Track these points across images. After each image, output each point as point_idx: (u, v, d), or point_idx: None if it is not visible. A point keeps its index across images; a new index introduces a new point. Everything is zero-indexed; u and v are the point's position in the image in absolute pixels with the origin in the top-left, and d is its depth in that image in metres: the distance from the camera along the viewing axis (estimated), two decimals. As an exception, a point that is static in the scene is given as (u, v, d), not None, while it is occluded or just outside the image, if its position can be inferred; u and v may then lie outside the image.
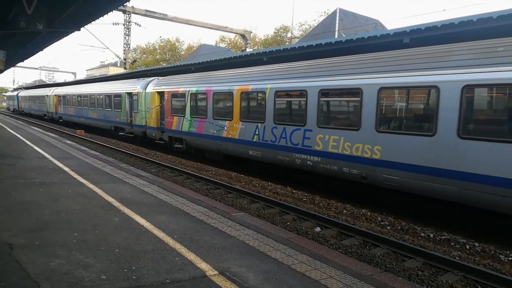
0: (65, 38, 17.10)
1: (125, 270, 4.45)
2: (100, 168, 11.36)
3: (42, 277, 4.20)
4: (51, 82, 69.92)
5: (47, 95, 40.55)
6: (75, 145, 17.52)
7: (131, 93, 21.82)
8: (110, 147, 20.59)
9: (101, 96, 26.08)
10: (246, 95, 13.45)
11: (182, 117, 16.88)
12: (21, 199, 7.41)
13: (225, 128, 14.19)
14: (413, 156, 8.44)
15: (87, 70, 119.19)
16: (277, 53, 14.32)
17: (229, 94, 13.97)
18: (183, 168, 14.97)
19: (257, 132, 12.73)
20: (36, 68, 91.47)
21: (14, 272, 4.29)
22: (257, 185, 12.58)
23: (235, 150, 13.96)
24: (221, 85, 14.56)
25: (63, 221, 6.15)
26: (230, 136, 13.97)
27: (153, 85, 19.67)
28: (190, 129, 16.33)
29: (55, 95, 37.67)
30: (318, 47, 12.87)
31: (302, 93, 11.16)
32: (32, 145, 16.08)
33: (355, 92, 9.71)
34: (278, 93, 12.01)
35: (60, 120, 36.38)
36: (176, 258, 4.87)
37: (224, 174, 14.12)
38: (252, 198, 10.66)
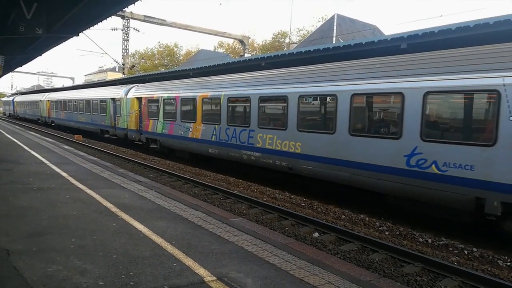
0: (63, 43, 17.16)
1: (123, 276, 4.43)
2: (98, 174, 11.34)
3: (40, 283, 4.18)
4: (44, 88, 70.71)
5: (40, 101, 42.29)
6: (72, 150, 17.48)
7: (114, 98, 23.77)
8: (108, 152, 20.56)
9: (89, 102, 28.01)
10: (206, 101, 15.51)
11: (157, 120, 18.89)
12: (19, 204, 7.39)
13: (190, 129, 16.31)
14: (322, 150, 10.67)
15: (85, 75, 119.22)
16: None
17: (193, 100, 16.08)
18: (181, 173, 14.96)
19: (214, 133, 14.81)
20: (35, 73, 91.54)
21: (12, 278, 4.27)
22: (255, 190, 12.57)
23: (198, 149, 15.97)
24: (187, 92, 16.72)
25: (60, 227, 6.13)
26: (194, 136, 16.07)
27: (133, 92, 21.68)
28: (163, 130, 18.38)
29: (48, 100, 39.40)
30: (316, 53, 13.08)
31: (247, 99, 13.25)
32: (29, 150, 16.04)
33: (283, 98, 11.87)
34: (230, 99, 14.14)
35: (53, 124, 38.00)
36: (174, 264, 4.85)
37: (223, 180, 14.11)
38: (251, 203, 10.65)
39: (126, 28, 40.26)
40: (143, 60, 66.56)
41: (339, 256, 7.10)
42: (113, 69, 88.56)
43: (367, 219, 9.49)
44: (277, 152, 12.04)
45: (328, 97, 10.82)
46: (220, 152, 14.55)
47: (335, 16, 38.73)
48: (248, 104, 13.11)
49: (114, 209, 7.36)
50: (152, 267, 4.73)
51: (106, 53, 66.48)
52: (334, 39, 34.41)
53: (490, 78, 7.40)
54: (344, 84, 10.03)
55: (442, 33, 9.70)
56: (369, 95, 9.78)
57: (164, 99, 18.27)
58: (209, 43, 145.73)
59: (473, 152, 7.61)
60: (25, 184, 9.25)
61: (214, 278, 4.51)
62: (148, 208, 7.65)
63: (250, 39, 51.36)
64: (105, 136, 25.20)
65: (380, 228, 8.95)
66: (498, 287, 5.94)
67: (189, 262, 4.94)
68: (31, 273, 4.39)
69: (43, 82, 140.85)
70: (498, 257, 7.29)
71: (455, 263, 6.96)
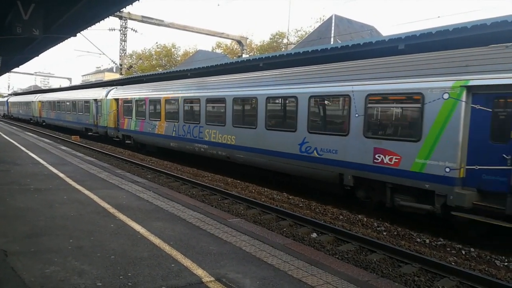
0: (61, 43, 17.12)
1: (121, 277, 4.42)
2: (95, 174, 11.32)
3: (37, 284, 4.17)
4: (36, 90, 72.39)
5: (32, 101, 44.61)
6: (70, 151, 17.44)
7: (96, 99, 26.20)
8: (105, 153, 20.53)
9: (75, 102, 30.48)
10: (168, 102, 18.00)
11: (130, 119, 21.45)
12: (16, 205, 7.37)
13: (156, 126, 18.84)
14: (249, 141, 13.22)
15: (82, 75, 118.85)
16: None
17: (158, 100, 18.66)
18: (179, 174, 14.95)
19: (174, 129, 17.40)
20: (32, 74, 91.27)
21: (9, 279, 4.25)
22: (253, 191, 12.58)
23: (163, 143, 18.59)
24: (154, 93, 19.33)
25: (58, 228, 6.11)
26: (159, 132, 18.63)
27: (112, 93, 24.18)
28: (135, 128, 20.95)
29: (39, 101, 41.63)
30: (308, 54, 13.33)
31: (197, 100, 15.90)
32: (27, 151, 16.00)
33: (223, 100, 14.40)
34: (186, 100, 16.74)
35: (44, 123, 40.07)
36: (172, 265, 4.85)
37: (220, 180, 14.11)
38: (249, 204, 10.65)
39: (123, 29, 40.12)
40: (141, 61, 66.43)
41: (337, 256, 7.11)
42: (110, 70, 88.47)
43: (365, 219, 9.50)
44: (219, 144, 14.70)
45: (251, 100, 13.46)
46: (179, 145, 17.23)
47: (333, 17, 38.81)
48: (198, 105, 15.84)
49: (111, 210, 7.35)
50: (150, 267, 4.73)
51: (104, 54, 66.56)
52: (332, 39, 34.46)
53: (345, 86, 10.16)
54: (262, 89, 12.89)
55: (440, 34, 9.74)
56: (274, 98, 12.69)
57: (136, 100, 20.94)
58: (207, 44, 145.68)
59: (336, 140, 10.37)
60: (22, 185, 9.22)
61: (212, 278, 4.51)
62: (146, 208, 7.64)
63: (248, 40, 51.38)
64: (89, 133, 27.55)
65: (378, 229, 8.96)
66: (495, 287, 5.96)
67: (187, 262, 4.93)
68: (28, 274, 4.38)
69: (40, 83, 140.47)
70: (496, 257, 7.32)
71: (453, 263, 6.98)
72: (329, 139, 10.57)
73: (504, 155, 7.40)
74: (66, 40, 15.94)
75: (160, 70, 54.56)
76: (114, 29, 39.69)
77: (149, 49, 69.95)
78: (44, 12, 10.70)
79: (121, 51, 41.31)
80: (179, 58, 69.10)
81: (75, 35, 14.50)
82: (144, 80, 24.43)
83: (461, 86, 7.88)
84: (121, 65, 41.49)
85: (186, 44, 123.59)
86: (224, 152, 14.44)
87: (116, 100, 23.25)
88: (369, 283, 4.98)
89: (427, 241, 8.18)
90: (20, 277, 4.30)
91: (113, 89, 24.82)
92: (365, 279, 5.10)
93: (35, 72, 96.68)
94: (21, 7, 10.19)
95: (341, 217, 9.83)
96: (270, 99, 12.60)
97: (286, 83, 12.04)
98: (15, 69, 37.38)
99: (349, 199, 10.89)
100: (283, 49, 50.94)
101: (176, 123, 17.19)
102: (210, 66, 18.39)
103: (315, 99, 11.14)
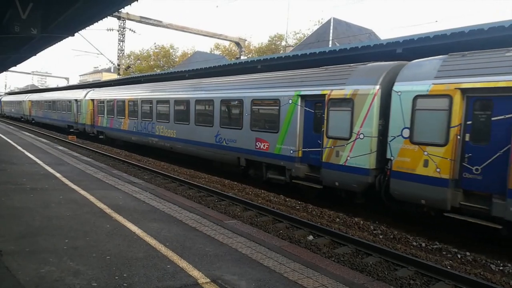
0: (59, 43, 17.09)
1: (116, 278, 4.41)
2: (92, 175, 11.29)
3: (32, 284, 4.16)
4: (26, 90, 75.83)
5: (23, 100, 48.44)
6: (67, 151, 17.39)
7: (77, 99, 29.58)
8: (102, 153, 20.48)
9: (59, 102, 34.00)
10: (130, 102, 21.72)
11: (103, 117, 25.12)
12: (12, 205, 7.33)
13: (122, 123, 22.54)
14: (185, 135, 16.87)
15: (80, 75, 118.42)
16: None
17: (124, 101, 22.42)
18: (175, 175, 14.93)
19: (134, 125, 21.10)
20: (29, 73, 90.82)
21: (4, 279, 4.23)
22: (250, 192, 12.57)
23: (126, 137, 22.39)
24: (120, 96, 23.24)
25: (54, 228, 6.09)
26: (124, 128, 22.38)
27: (89, 95, 27.86)
28: (107, 125, 24.69)
29: (29, 100, 45.31)
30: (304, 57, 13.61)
31: (152, 101, 19.62)
32: (23, 150, 15.94)
33: (167, 101, 18.20)
34: (143, 101, 20.45)
35: (33, 121, 43.53)
36: (168, 266, 4.84)
37: (217, 182, 14.10)
38: (245, 205, 10.64)
39: (122, 29, 40.05)
40: (139, 61, 66.34)
41: (333, 259, 7.11)
42: (108, 70, 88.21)
43: (362, 222, 9.51)
44: (165, 137, 18.37)
45: (186, 102, 16.95)
46: (138, 139, 20.91)
47: (332, 20, 38.91)
48: (151, 105, 19.59)
49: (108, 210, 7.33)
50: (146, 268, 4.71)
51: (102, 54, 66.02)
52: (330, 42, 34.55)
53: (240, 93, 13.90)
54: (193, 94, 16.61)
55: (437, 39, 9.79)
56: (200, 100, 16.20)
57: (107, 101, 24.70)
58: (205, 45, 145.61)
59: (235, 133, 13.99)
60: (18, 184, 9.18)
61: (208, 280, 4.50)
62: (142, 209, 7.63)
63: (246, 42, 51.42)
64: (70, 130, 30.75)
65: (374, 232, 8.97)
66: (491, 291, 5.98)
67: (183, 264, 4.92)
68: (23, 274, 4.36)
69: (37, 82, 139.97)
70: (491, 262, 7.34)
71: (448, 267, 7.00)
72: (231, 132, 14.23)
73: (319, 141, 10.95)
74: (64, 40, 15.90)
75: (158, 70, 54.52)
76: (112, 29, 39.64)
77: (147, 50, 69.85)
78: (42, 11, 10.68)
79: (119, 51, 41.25)
80: (177, 59, 69.07)
81: (73, 35, 14.46)
82: (112, 84, 29.48)
83: (297, 95, 11.55)
84: (119, 65, 41.42)
85: (184, 45, 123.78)
86: (168, 143, 18.17)
87: (92, 100, 26.87)
88: (365, 285, 4.99)
89: (423, 244, 8.20)
90: (15, 277, 4.28)
91: (90, 91, 28.57)
92: (360, 281, 5.11)
93: (33, 72, 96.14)
94: (19, 6, 10.16)
95: (337, 220, 9.83)
96: (198, 101, 16.26)
97: (207, 90, 15.98)
98: (13, 68, 37.43)
99: (345, 202, 10.92)
100: (282, 51, 50.99)
101: (136, 120, 20.94)
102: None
103: (223, 102, 14.80)
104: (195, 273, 4.67)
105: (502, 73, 7.49)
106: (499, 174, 7.53)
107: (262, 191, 12.62)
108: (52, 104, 35.88)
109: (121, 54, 41.62)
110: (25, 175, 10.35)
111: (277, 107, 12.10)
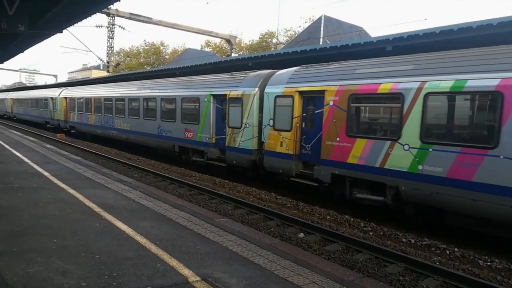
0: (47, 40, 16.91)
1: (105, 277, 4.37)
2: (81, 173, 11.18)
3: (20, 284, 4.10)
4: (8, 88, 77.14)
5: (5, 98, 51.50)
6: (55, 150, 17.21)
7: (52, 97, 32.34)
8: (92, 151, 20.31)
9: (37, 100, 36.65)
10: (95, 100, 24.84)
11: (74, 113, 28.24)
12: (-1, 204, 7.23)
13: (89, 118, 25.66)
14: (136, 127, 19.78)
15: (69, 72, 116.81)
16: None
17: (90, 99, 25.51)
18: (166, 173, 14.86)
19: (99, 120, 24.27)
20: (16, 70, 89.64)
21: (-10, 280, 4.17)
22: (241, 191, 12.56)
23: (93, 131, 25.66)
24: (88, 94, 26.29)
25: (42, 227, 6.02)
26: (91, 123, 25.50)
27: (63, 93, 30.77)
28: (77, 120, 27.82)
29: (11, 98, 48.37)
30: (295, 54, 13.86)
31: (111, 99, 22.61)
32: (10, 149, 15.72)
33: (123, 99, 21.18)
34: (105, 99, 23.48)
35: (14, 118, 46.03)
36: (158, 264, 4.81)
37: (208, 180, 14.06)
38: (236, 204, 10.64)
39: (111, 26, 39.66)
40: (129, 58, 65.74)
41: (323, 256, 7.14)
42: (97, 67, 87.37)
43: (352, 219, 9.56)
44: (122, 130, 21.31)
45: (137, 99, 19.83)
46: (102, 132, 24.05)
47: (322, 17, 38.97)
48: (111, 102, 22.58)
49: (97, 209, 7.27)
50: (136, 267, 4.68)
51: (91, 51, 65.66)
52: (321, 40, 34.61)
53: (174, 92, 16.98)
54: (142, 92, 19.53)
55: (426, 36, 9.86)
56: (147, 98, 18.93)
57: (77, 99, 27.79)
58: (196, 42, 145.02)
59: (171, 124, 16.96)
60: (6, 183, 9.06)
61: (198, 278, 4.49)
62: (132, 208, 7.58)
63: (237, 39, 51.29)
64: (47, 126, 33.28)
65: (364, 229, 9.03)
66: (478, 286, 6.05)
67: (173, 262, 4.90)
68: (11, 274, 4.30)
69: (25, 79, 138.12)
70: (479, 257, 7.43)
71: (437, 263, 7.07)
72: (169, 124, 17.14)
73: (224, 130, 14.10)
74: (52, 37, 15.72)
75: (149, 68, 54.14)
76: (102, 26, 39.22)
77: (137, 47, 69.28)
78: (29, 7, 10.53)
79: (108, 48, 40.87)
80: (167, 56, 68.64)
81: (61, 32, 14.32)
82: (80, 84, 33.13)
83: (210, 94, 14.70)
84: (108, 62, 41.04)
85: (175, 42, 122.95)
86: (124, 135, 21.22)
87: (65, 98, 29.76)
88: (355, 282, 5.02)
89: (413, 241, 8.27)
90: (2, 277, 4.22)
91: (64, 89, 31.63)
92: (350, 278, 5.14)
93: (20, 69, 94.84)
94: (6, 2, 10.01)
95: (328, 217, 9.87)
96: (145, 99, 19.20)
97: (151, 89, 18.94)
98: (-1, 65, 36.87)
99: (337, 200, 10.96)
100: (273, 49, 50.93)
101: (100, 116, 24.09)
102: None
103: (163, 100, 17.69)
104: (186, 271, 4.66)
105: (319, 80, 10.70)
106: (317, 150, 10.64)
107: (253, 189, 12.63)
108: (31, 101, 38.90)
109: (110, 51, 41.23)
110: (12, 174, 10.21)
111: (198, 104, 15.30)
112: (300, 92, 11.14)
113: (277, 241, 6.91)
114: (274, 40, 57.46)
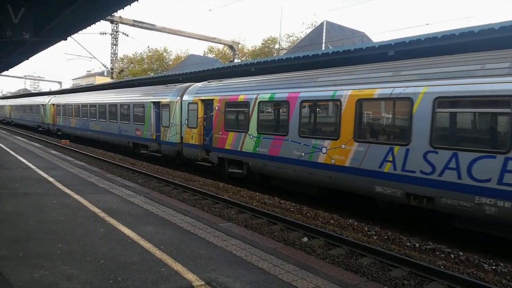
0: (51, 47, 17.05)
1: (110, 281, 4.40)
2: (85, 179, 11.24)
3: (26, 289, 4.13)
4: (6, 96, 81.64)
5: (4, 105, 56.57)
6: (60, 155, 17.28)
7: (43, 104, 36.58)
8: (96, 157, 20.40)
9: (31, 106, 41.00)
10: (75, 106, 28.99)
11: (60, 117, 32.60)
12: (4, 210, 7.28)
13: (71, 122, 29.91)
14: (104, 128, 24.33)
15: (73, 79, 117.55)
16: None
17: (72, 105, 29.68)
18: (170, 178, 14.90)
19: (78, 123, 28.43)
20: (21, 77, 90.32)
21: (-3, 284, 4.21)
22: (245, 195, 12.57)
23: (74, 132, 29.67)
24: (71, 101, 30.52)
25: (47, 232, 6.06)
26: (72, 125, 29.76)
27: (52, 100, 34.96)
28: (63, 123, 32.02)
29: (9, 105, 52.96)
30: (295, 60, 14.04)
31: (87, 105, 26.79)
32: (16, 155, 15.82)
33: (95, 105, 25.65)
34: (82, 105, 27.55)
35: (12, 123, 50.42)
36: (163, 269, 4.83)
37: (212, 185, 14.08)
38: (240, 208, 10.65)
39: (115, 33, 39.95)
40: (132, 65, 66.13)
41: (327, 260, 7.14)
42: (101, 74, 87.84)
43: (356, 224, 9.55)
44: (94, 131, 25.66)
45: (104, 105, 24.00)
46: (81, 133, 28.16)
47: (324, 23, 39.12)
48: (86, 108, 26.73)
49: (101, 214, 7.30)
50: (140, 272, 4.70)
51: (95, 57, 66.00)
52: (323, 45, 34.71)
53: (128, 100, 21.64)
54: (107, 100, 24.12)
55: (428, 41, 9.88)
56: (113, 104, 23.01)
57: (62, 105, 32.04)
58: (199, 48, 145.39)
59: (127, 125, 21.30)
60: (11, 189, 9.12)
61: (202, 282, 4.50)
62: (137, 213, 7.61)
63: (240, 45, 51.50)
64: (39, 129, 37.42)
65: (368, 233, 9.01)
66: (483, 290, 6.04)
67: (177, 267, 4.92)
68: (17, 279, 4.33)
69: (30, 86, 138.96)
70: (484, 261, 7.40)
71: (442, 266, 7.04)
72: (125, 125, 21.39)
73: (160, 128, 18.40)
74: (56, 44, 15.85)
75: (152, 74, 54.43)
76: (105, 33, 39.44)
77: (141, 53, 69.70)
78: (34, 15, 10.64)
79: (112, 55, 41.13)
80: (170, 62, 68.98)
81: (66, 39, 14.43)
82: (66, 92, 37.80)
83: (151, 101, 18.95)
84: (112, 69, 41.29)
85: (178, 48, 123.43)
86: (96, 135, 25.60)
87: (54, 104, 34.08)
88: (359, 286, 5.02)
89: (417, 245, 8.25)
90: (8, 282, 4.25)
91: (53, 97, 35.82)
92: (355, 282, 5.14)
93: (25, 76, 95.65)
94: (11, 10, 10.13)
95: (332, 221, 9.86)
96: (109, 105, 23.39)
97: (113, 98, 23.30)
98: (5, 72, 37.40)
99: (339, 203, 10.93)
100: (275, 54, 51.12)
101: (79, 119, 28.22)
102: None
103: (122, 106, 21.92)
104: (190, 276, 4.67)
105: (212, 92, 15.24)
106: (211, 141, 15.00)
107: (257, 193, 12.64)
108: (26, 108, 43.63)
109: (114, 58, 41.49)
110: (18, 180, 10.28)
111: (143, 109, 19.70)
112: (202, 100, 15.70)
113: (281, 245, 6.91)
114: (277, 46, 57.67)
